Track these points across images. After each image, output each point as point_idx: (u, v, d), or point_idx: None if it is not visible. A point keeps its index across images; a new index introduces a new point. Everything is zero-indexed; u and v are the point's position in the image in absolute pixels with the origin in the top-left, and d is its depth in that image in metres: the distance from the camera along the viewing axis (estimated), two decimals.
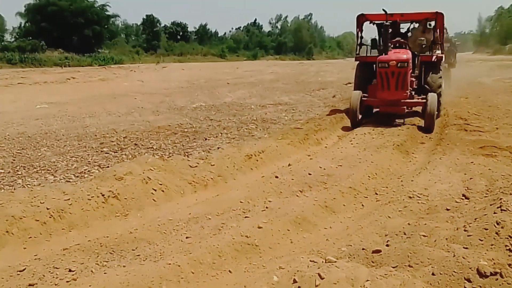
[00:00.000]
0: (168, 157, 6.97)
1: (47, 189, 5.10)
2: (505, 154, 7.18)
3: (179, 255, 3.83)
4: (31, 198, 4.73)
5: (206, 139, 8.62)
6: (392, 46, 10.61)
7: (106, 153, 7.55)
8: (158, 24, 65.81)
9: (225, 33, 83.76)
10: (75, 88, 19.42)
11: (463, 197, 5.23)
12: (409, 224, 4.28)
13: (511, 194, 4.60)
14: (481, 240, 3.61)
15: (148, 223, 4.65)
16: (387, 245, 3.74)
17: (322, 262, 3.39)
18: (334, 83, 21.95)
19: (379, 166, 6.75)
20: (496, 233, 3.63)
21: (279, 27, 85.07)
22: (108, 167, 6.46)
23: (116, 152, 7.61)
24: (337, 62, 55.24)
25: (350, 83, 15.92)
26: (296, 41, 76.77)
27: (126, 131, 9.46)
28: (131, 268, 3.61)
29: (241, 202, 5.21)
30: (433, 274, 3.11)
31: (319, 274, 3.11)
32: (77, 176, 6.20)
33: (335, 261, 3.37)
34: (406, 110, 10.23)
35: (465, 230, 3.79)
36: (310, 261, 3.43)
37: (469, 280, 2.98)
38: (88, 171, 6.46)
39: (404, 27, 12.27)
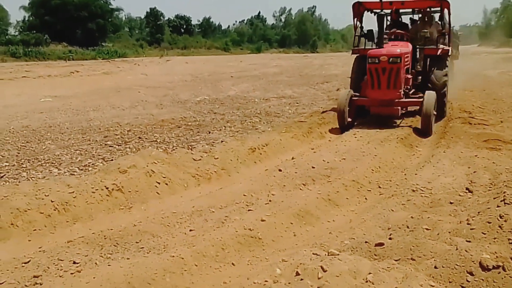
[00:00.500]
0: (171, 151, 6.99)
1: (51, 182, 5.13)
2: (510, 148, 7.16)
3: (182, 248, 3.84)
4: (36, 191, 4.75)
5: (209, 133, 8.63)
6: (389, 38, 9.74)
7: (110, 146, 7.57)
8: (161, 18, 65.77)
9: (228, 26, 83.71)
10: (79, 81, 19.45)
11: (467, 191, 5.22)
12: (412, 217, 4.29)
13: None
14: (484, 234, 3.61)
15: (152, 216, 4.66)
16: (390, 238, 3.75)
17: (325, 255, 3.40)
18: (339, 76, 21.87)
19: (383, 159, 6.74)
20: (499, 226, 3.63)
21: (283, 20, 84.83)
22: (112, 160, 6.49)
23: (120, 145, 7.64)
24: (341, 55, 54.93)
25: None
26: (300, 34, 76.50)
27: (130, 124, 9.48)
28: (135, 260, 3.62)
29: (244, 195, 5.22)
30: (435, 267, 3.11)
31: (321, 267, 3.12)
32: (81, 169, 6.22)
33: (338, 254, 3.38)
34: (403, 111, 9.22)
35: (468, 224, 3.79)
36: (313, 254, 3.45)
37: (471, 274, 2.99)
38: (92, 164, 6.49)
39: (407, 18, 11.56)
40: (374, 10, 10.16)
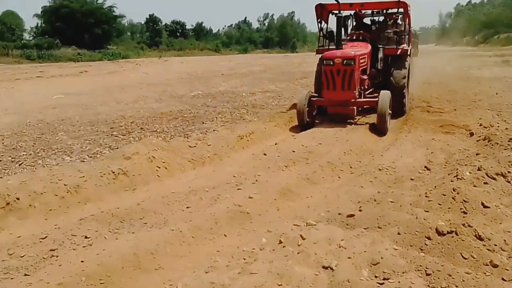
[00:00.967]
0: (170, 139, 6.95)
1: (64, 168, 5.08)
2: (462, 132, 7.26)
3: (181, 223, 3.85)
4: (51, 176, 4.70)
5: (203, 123, 8.60)
6: (350, 39, 9.22)
7: (116, 136, 7.51)
8: (159, 23, 64.82)
9: (218, 30, 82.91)
10: (87, 80, 19.18)
11: (425, 169, 5.29)
12: (378, 192, 4.35)
13: (466, 165, 4.67)
14: (440, 205, 3.67)
15: (154, 196, 4.66)
16: (360, 210, 3.79)
17: (304, 225, 3.44)
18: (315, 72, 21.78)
19: (353, 144, 6.78)
20: (453, 198, 3.69)
21: (266, 24, 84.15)
22: (117, 148, 6.44)
23: (125, 135, 7.58)
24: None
25: None
26: (281, 36, 76.02)
27: (133, 117, 9.40)
28: (140, 234, 3.62)
29: (234, 176, 5.23)
30: (398, 233, 3.16)
31: (301, 236, 3.16)
32: (91, 157, 6.17)
33: (315, 225, 3.41)
34: (359, 110, 8.47)
35: (426, 196, 3.85)
36: (294, 225, 3.48)
37: (429, 238, 3.04)
38: (100, 152, 6.43)
39: (374, 20, 10.69)
40: (335, 12, 9.15)
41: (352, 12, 9.81)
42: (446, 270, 2.65)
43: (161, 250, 3.45)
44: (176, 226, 3.76)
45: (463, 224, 3.08)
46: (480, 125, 7.37)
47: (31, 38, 49.71)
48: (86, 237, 3.59)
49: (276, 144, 6.92)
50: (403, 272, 2.68)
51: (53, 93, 13.91)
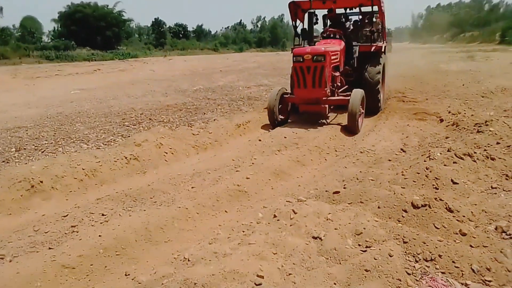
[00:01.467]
0: (175, 128, 6.90)
1: (82, 155, 5.04)
2: (433, 118, 7.27)
3: (186, 201, 3.84)
4: (70, 162, 4.67)
5: (204, 114, 8.53)
6: (323, 36, 8.19)
7: (127, 126, 7.44)
8: (164, 25, 63.96)
9: (217, 31, 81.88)
10: (100, 77, 18.96)
11: (401, 151, 5.29)
12: (360, 172, 4.34)
13: (437, 147, 4.67)
14: (415, 182, 3.68)
15: (162, 178, 4.64)
16: (344, 188, 3.79)
17: (295, 201, 3.43)
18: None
19: (338, 130, 6.76)
20: (426, 176, 3.70)
21: (259, 26, 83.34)
22: (129, 136, 6.38)
23: (135, 125, 7.51)
24: None
25: None
26: (272, 36, 75.24)
27: (142, 109, 9.31)
28: (150, 211, 3.61)
29: (233, 160, 5.22)
30: (378, 207, 3.16)
31: (293, 210, 3.15)
32: (105, 144, 6.12)
33: (305, 200, 3.40)
34: (331, 108, 7.34)
35: (402, 175, 3.85)
36: (286, 201, 3.47)
37: (405, 211, 3.04)
38: (114, 140, 6.38)
39: (347, 16, 9.23)
40: (307, 9, 8.13)
41: (327, 10, 8.78)
42: (421, 238, 2.65)
43: (170, 225, 3.45)
44: (182, 204, 3.75)
45: (435, 198, 3.08)
46: (449, 112, 7.37)
47: (49, 41, 49.08)
48: (103, 215, 3.58)
49: (269, 131, 6.89)
50: (383, 241, 2.68)
51: (70, 89, 13.75)
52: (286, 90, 7.75)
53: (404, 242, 2.65)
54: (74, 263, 2.81)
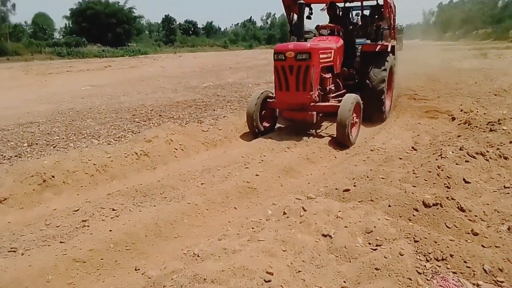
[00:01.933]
0: (185, 124, 6.91)
1: (93, 150, 5.08)
2: (444, 117, 7.19)
3: (196, 197, 3.85)
4: (81, 157, 4.71)
5: (214, 110, 8.54)
6: (319, 33, 7.32)
7: (137, 122, 7.49)
8: (174, 22, 64.25)
9: (226, 28, 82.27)
10: (111, 73, 19.09)
11: (412, 149, 5.24)
12: (371, 170, 4.31)
13: (449, 146, 4.62)
14: (426, 180, 3.64)
15: (172, 174, 4.65)
16: (354, 186, 3.76)
17: (305, 199, 3.42)
18: None
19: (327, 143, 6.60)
20: (437, 174, 3.66)
21: (269, 22, 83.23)
22: (139, 132, 6.42)
23: (145, 121, 7.55)
24: None
25: None
26: (282, 33, 74.90)
27: (152, 105, 9.36)
28: (160, 207, 3.63)
29: (242, 156, 5.21)
30: (389, 206, 3.13)
31: (303, 208, 3.14)
32: (116, 140, 6.16)
33: (315, 198, 3.39)
34: (319, 116, 6.24)
35: (413, 173, 3.81)
36: (296, 198, 3.46)
37: (416, 210, 3.01)
38: (124, 136, 6.42)
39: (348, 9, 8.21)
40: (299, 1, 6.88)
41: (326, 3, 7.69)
42: (432, 237, 2.62)
43: (179, 221, 3.46)
44: (192, 200, 3.76)
45: (447, 197, 3.05)
46: (461, 110, 7.27)
47: (61, 37, 49.63)
48: (113, 209, 3.60)
49: (279, 128, 6.86)
50: (394, 240, 2.66)
51: (81, 85, 13.89)
52: (272, 93, 6.57)
53: (415, 241, 2.63)
54: (85, 257, 2.84)
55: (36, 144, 5.99)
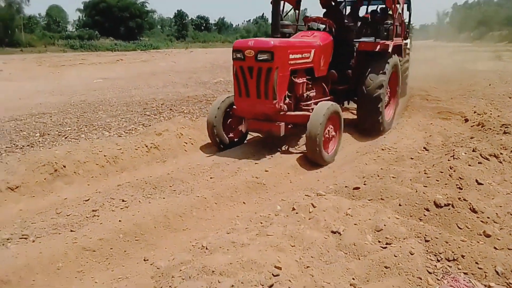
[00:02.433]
0: (195, 118, 6.94)
1: (104, 142, 5.12)
2: (457, 118, 7.10)
3: (205, 190, 3.86)
4: (92, 148, 4.75)
5: None
6: (307, 27, 6.20)
7: (148, 115, 7.53)
8: (186, 18, 64.41)
9: (238, 24, 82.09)
10: (123, 67, 19.20)
11: (424, 149, 5.18)
12: (381, 168, 4.27)
13: (462, 147, 4.56)
14: (437, 181, 3.60)
15: (181, 167, 4.67)
16: (365, 184, 3.73)
17: (314, 195, 3.40)
18: None
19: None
20: (449, 175, 3.61)
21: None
22: (150, 125, 6.45)
23: (156, 115, 7.59)
24: None
25: None
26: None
27: (163, 99, 9.40)
28: (169, 199, 3.65)
29: (252, 152, 5.20)
30: (400, 205, 3.11)
31: (312, 204, 3.13)
32: (127, 132, 6.20)
33: (324, 195, 3.38)
34: (288, 127, 5.05)
35: (425, 173, 3.77)
36: (305, 195, 3.45)
37: (427, 210, 2.98)
38: (135, 128, 6.46)
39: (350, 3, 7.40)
40: None
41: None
42: (444, 237, 2.59)
43: (188, 213, 3.48)
44: (201, 193, 3.77)
45: (459, 198, 3.01)
46: (475, 112, 7.18)
47: (74, 30, 50.10)
48: (123, 200, 3.63)
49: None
50: (404, 238, 2.64)
51: (93, 78, 14.00)
52: None
53: (426, 241, 2.60)
54: (94, 246, 2.86)
55: (48, 134, 6.05)
